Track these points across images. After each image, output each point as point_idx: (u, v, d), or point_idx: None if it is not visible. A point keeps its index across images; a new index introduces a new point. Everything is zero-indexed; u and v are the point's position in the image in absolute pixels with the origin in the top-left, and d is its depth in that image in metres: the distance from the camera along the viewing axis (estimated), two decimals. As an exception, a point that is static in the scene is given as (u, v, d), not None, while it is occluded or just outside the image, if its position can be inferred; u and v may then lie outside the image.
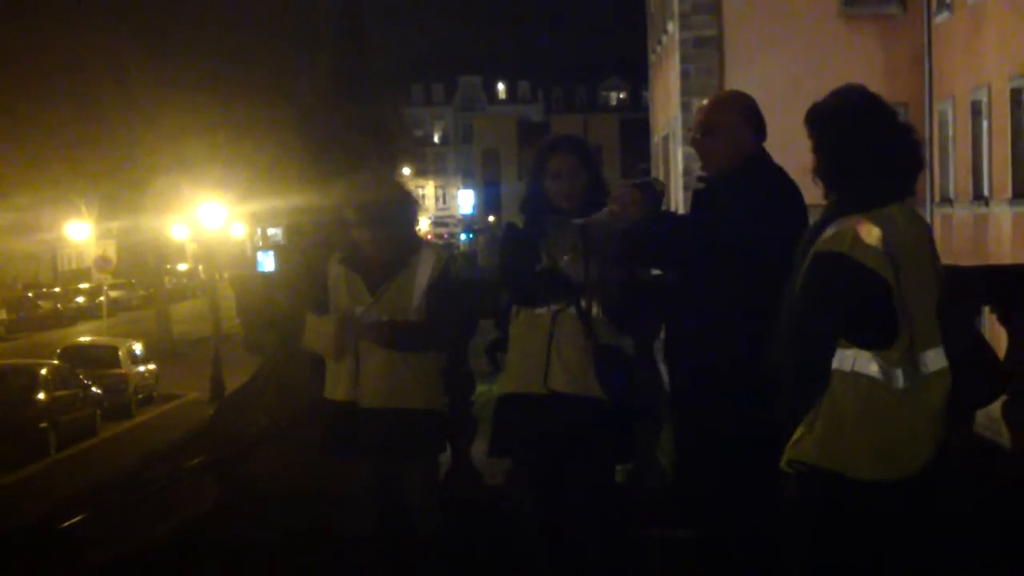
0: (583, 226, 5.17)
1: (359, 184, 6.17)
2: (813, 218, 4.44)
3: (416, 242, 6.03)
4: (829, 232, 4.08)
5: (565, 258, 5.20)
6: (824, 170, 4.26)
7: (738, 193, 4.98)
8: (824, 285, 4.05)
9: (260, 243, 69.89)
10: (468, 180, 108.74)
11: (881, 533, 4.13)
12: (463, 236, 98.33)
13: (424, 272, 5.88)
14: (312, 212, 8.02)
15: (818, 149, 4.28)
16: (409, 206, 6.07)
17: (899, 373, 4.05)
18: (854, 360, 4.05)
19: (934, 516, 4.41)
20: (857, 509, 4.07)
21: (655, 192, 5.18)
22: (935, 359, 4.12)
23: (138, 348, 36.45)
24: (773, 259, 4.55)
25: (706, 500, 5.17)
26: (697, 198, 5.31)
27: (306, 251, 7.76)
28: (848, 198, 4.18)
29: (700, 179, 5.32)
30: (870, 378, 4.04)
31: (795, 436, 4.13)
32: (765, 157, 5.20)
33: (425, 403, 5.90)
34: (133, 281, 66.70)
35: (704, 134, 5.20)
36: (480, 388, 7.06)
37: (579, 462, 5.39)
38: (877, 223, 4.09)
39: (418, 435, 5.90)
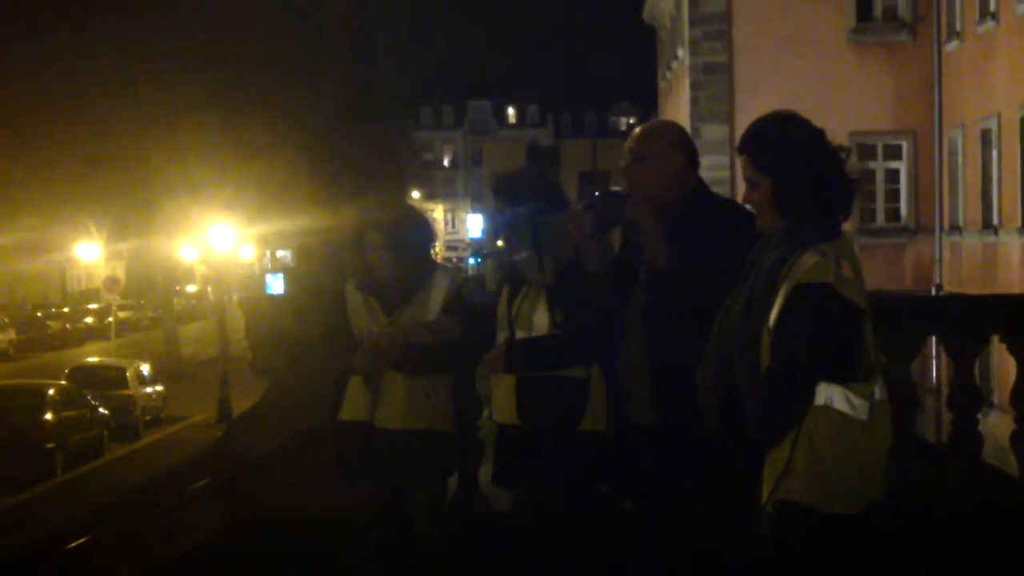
0: (538, 224, 5.30)
1: (381, 205, 6.20)
2: None
3: (432, 265, 6.05)
4: (806, 263, 4.04)
5: (523, 255, 5.34)
6: (782, 198, 4.20)
7: (688, 232, 4.91)
8: (812, 317, 4.00)
9: (269, 265, 70.05)
10: (477, 204, 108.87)
11: (852, 564, 4.12)
12: (471, 260, 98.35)
13: (438, 294, 5.91)
14: (322, 234, 8.04)
15: (771, 176, 4.22)
16: (429, 229, 6.12)
17: (866, 406, 4.03)
18: (826, 395, 4.01)
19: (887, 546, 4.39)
20: (828, 544, 4.06)
21: (620, 204, 5.13)
22: (880, 389, 4.10)
23: (146, 369, 36.51)
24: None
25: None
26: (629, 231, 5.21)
27: (315, 274, 7.77)
28: (809, 227, 4.14)
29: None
30: (840, 413, 4.01)
31: (771, 476, 4.07)
32: (704, 189, 5.18)
33: (439, 425, 5.91)
34: (142, 302, 66.86)
35: (634, 161, 5.15)
36: (487, 412, 7.05)
37: (544, 487, 5.45)
38: (844, 253, 4.09)
39: (431, 458, 5.91)
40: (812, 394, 4.02)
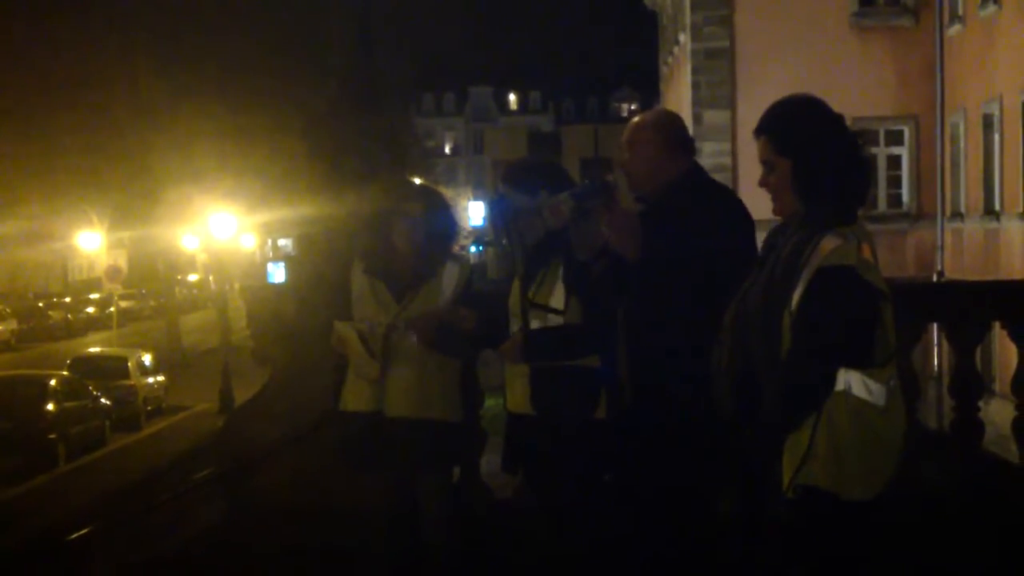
0: (515, 211, 5.41)
1: (417, 189, 6.22)
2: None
3: (447, 255, 6.05)
4: (828, 246, 4.04)
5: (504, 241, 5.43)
6: (803, 180, 4.20)
7: (675, 216, 4.94)
8: (835, 300, 4.00)
9: (270, 254, 70.05)
10: (479, 192, 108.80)
11: (867, 549, 4.14)
12: (473, 248, 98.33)
13: (449, 284, 5.91)
14: (323, 222, 8.02)
15: (793, 157, 4.22)
16: (456, 221, 6.15)
17: (883, 392, 4.05)
18: (846, 380, 4.03)
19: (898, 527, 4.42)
20: (846, 530, 4.08)
21: (605, 192, 5.12)
22: (894, 375, 4.13)
23: (148, 359, 36.53)
24: (724, 273, 4.57)
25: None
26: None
27: (316, 262, 7.76)
28: (828, 210, 4.14)
29: (638, 199, 5.24)
30: (858, 398, 4.03)
31: (791, 462, 4.08)
32: (697, 174, 5.18)
33: (449, 414, 5.92)
34: (143, 291, 66.82)
35: (627, 151, 5.18)
36: (488, 402, 7.05)
37: (550, 477, 5.46)
38: (863, 237, 4.11)
39: (441, 446, 5.92)
40: (833, 379, 4.03)
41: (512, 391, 5.55)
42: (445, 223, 6.05)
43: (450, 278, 5.92)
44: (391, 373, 5.87)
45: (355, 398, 5.97)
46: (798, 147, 4.21)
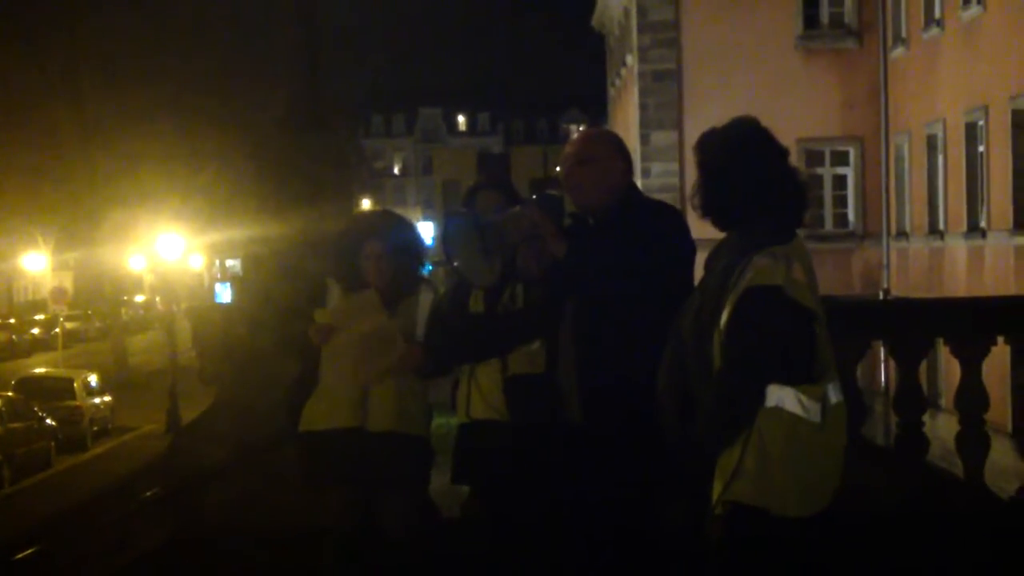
0: (482, 225, 5.41)
1: (382, 216, 6.20)
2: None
3: (420, 278, 6.07)
4: (758, 265, 4.07)
5: (458, 260, 5.43)
6: (731, 201, 4.25)
7: (617, 235, 5.03)
8: (761, 319, 4.03)
9: (218, 275, 69.66)
10: (428, 212, 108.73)
11: (802, 567, 4.14)
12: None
13: (423, 309, 5.93)
14: (271, 242, 8.00)
15: (723, 179, 4.27)
16: (422, 242, 6.16)
17: (818, 408, 4.06)
18: (778, 397, 4.04)
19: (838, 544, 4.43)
20: (781, 546, 4.07)
21: (558, 206, 5.24)
22: (835, 392, 4.15)
23: (94, 380, 36.20)
24: (673, 285, 4.71)
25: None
26: (567, 234, 5.29)
27: (264, 282, 7.73)
28: (761, 231, 4.18)
29: (571, 216, 5.32)
30: (792, 414, 4.04)
31: (721, 478, 4.11)
32: (635, 194, 5.27)
33: (422, 430, 5.94)
34: (89, 313, 66.27)
35: (577, 164, 5.20)
36: (438, 419, 7.03)
37: (510, 486, 5.47)
38: (796, 256, 4.14)
39: (419, 462, 5.94)
40: (762, 396, 4.04)
41: (477, 398, 5.57)
42: (414, 252, 6.03)
43: (424, 305, 5.93)
44: (373, 388, 5.84)
45: (328, 416, 5.89)
46: (728, 167, 4.26)
